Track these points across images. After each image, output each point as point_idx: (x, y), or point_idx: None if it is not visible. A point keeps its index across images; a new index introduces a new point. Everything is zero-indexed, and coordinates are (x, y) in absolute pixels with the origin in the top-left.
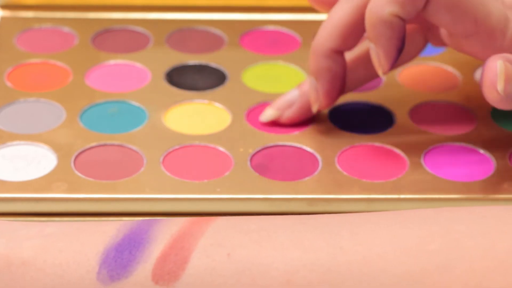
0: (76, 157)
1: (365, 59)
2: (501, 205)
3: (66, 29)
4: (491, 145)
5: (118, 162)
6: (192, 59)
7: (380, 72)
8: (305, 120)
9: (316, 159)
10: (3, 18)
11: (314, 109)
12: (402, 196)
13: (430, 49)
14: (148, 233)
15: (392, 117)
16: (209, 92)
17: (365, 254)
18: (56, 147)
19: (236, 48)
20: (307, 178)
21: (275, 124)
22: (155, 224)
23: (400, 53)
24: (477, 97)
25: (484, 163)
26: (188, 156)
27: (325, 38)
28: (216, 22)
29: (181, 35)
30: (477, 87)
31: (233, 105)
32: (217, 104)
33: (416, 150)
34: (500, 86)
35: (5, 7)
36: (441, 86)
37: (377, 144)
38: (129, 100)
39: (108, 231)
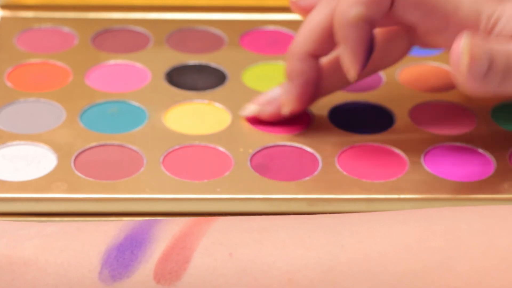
0: (76, 157)
1: (339, 65)
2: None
3: (66, 29)
4: (491, 145)
5: (118, 162)
6: (192, 59)
7: (349, 75)
8: (286, 117)
9: (316, 159)
10: (3, 18)
11: (285, 111)
12: (402, 196)
13: (430, 49)
14: (149, 233)
15: (392, 117)
16: (209, 92)
17: (366, 252)
18: (56, 147)
19: (236, 48)
20: (307, 178)
21: (275, 124)
22: (157, 224)
23: (370, 56)
24: (477, 97)
25: (484, 163)
26: (188, 156)
27: (301, 42)
28: (216, 22)
29: (181, 35)
30: None
31: (233, 105)
32: (217, 104)
33: (416, 150)
34: (463, 64)
35: (5, 7)
36: (441, 86)
37: (377, 144)
38: (129, 100)
39: (110, 231)
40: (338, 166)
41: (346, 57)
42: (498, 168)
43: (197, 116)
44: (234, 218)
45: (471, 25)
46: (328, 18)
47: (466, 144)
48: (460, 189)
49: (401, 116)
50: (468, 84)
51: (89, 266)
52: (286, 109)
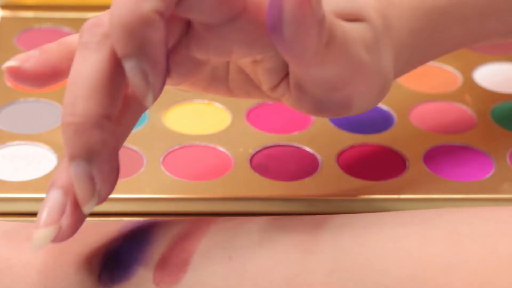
0: None
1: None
2: (502, 205)
3: (66, 29)
4: (491, 145)
5: None
6: None
7: (149, 97)
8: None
9: (316, 159)
10: (3, 18)
11: (90, 208)
12: (402, 196)
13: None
14: (149, 234)
15: (392, 117)
16: None
17: (367, 255)
18: (56, 147)
19: None
20: (307, 178)
21: (275, 124)
22: (156, 225)
23: (168, 61)
24: (477, 97)
25: (484, 163)
26: (188, 156)
27: (90, 105)
28: None
29: None
30: (477, 87)
31: (233, 105)
32: (217, 104)
33: (416, 150)
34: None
35: (5, 7)
36: (441, 86)
37: (377, 144)
38: None
39: (109, 232)
40: (338, 166)
41: (144, 71)
42: (498, 168)
43: (197, 116)
44: (233, 219)
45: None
46: (108, 61)
47: (466, 144)
48: (460, 189)
49: (401, 116)
50: (305, 32)
51: (88, 269)
52: (92, 204)
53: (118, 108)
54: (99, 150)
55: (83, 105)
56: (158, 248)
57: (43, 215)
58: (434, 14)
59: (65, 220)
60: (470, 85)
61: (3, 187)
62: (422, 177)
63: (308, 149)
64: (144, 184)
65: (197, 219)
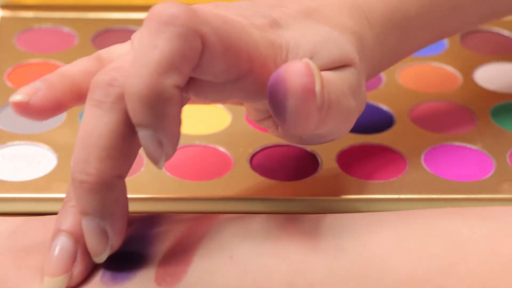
0: None
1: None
2: (502, 205)
3: (66, 29)
4: (491, 145)
5: None
6: None
7: (162, 162)
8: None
9: (316, 159)
10: (3, 18)
11: (102, 258)
12: (402, 196)
13: (430, 49)
14: (150, 233)
15: (392, 117)
16: None
17: (368, 255)
18: (56, 147)
19: None
20: (307, 178)
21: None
22: (158, 223)
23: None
24: (477, 97)
25: (484, 163)
26: (188, 156)
27: (103, 166)
28: None
29: None
30: (477, 87)
31: (233, 105)
32: (217, 104)
33: (416, 150)
34: (318, 87)
35: (5, 7)
36: (441, 86)
37: (377, 144)
38: None
39: None
40: (338, 166)
41: (159, 141)
42: (498, 168)
43: (197, 116)
44: (234, 218)
45: (271, 61)
46: (121, 121)
47: (466, 144)
48: (460, 189)
49: (401, 116)
50: (312, 120)
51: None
52: (105, 255)
53: (131, 167)
54: (112, 210)
55: (97, 166)
56: (159, 247)
57: (54, 263)
58: (402, 26)
59: (77, 268)
60: (470, 85)
61: (3, 187)
62: (422, 177)
63: (308, 149)
64: (144, 184)
65: (198, 216)
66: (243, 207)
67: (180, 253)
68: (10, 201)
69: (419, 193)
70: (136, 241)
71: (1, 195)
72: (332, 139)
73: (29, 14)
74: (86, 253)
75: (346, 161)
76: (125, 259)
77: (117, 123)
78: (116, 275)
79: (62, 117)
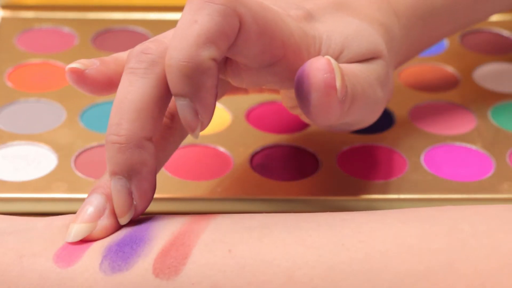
0: (76, 157)
1: (172, 130)
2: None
3: (66, 29)
4: (491, 145)
5: None
6: None
7: (198, 131)
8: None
9: (316, 159)
10: (3, 18)
11: (126, 220)
12: (402, 196)
13: (430, 49)
14: (149, 230)
15: (392, 117)
16: None
17: (368, 251)
18: (56, 147)
19: None
20: (307, 178)
21: (275, 124)
22: (156, 222)
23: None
24: (477, 97)
25: (484, 163)
26: (188, 156)
27: (134, 127)
28: None
29: None
30: (477, 87)
31: (233, 105)
32: (217, 104)
33: (416, 150)
34: (338, 83)
35: (5, 7)
36: (441, 86)
37: (377, 144)
38: None
39: None
40: (338, 166)
41: (194, 111)
42: (498, 168)
43: None
44: (233, 215)
45: (305, 49)
46: (155, 88)
47: (466, 144)
48: (460, 189)
49: (401, 116)
50: (335, 113)
51: (91, 257)
52: (128, 217)
53: (159, 130)
54: (139, 169)
55: (128, 127)
56: (158, 242)
57: (85, 211)
58: (427, 17)
59: (102, 221)
60: (470, 85)
61: (3, 187)
62: (422, 177)
63: (308, 149)
64: None
65: (197, 215)
66: (243, 207)
67: (179, 247)
68: (10, 201)
69: (419, 193)
70: (135, 235)
71: (1, 195)
72: (361, 127)
73: (29, 14)
74: (113, 215)
75: (346, 161)
76: (124, 251)
77: (148, 87)
78: (114, 265)
79: (62, 117)
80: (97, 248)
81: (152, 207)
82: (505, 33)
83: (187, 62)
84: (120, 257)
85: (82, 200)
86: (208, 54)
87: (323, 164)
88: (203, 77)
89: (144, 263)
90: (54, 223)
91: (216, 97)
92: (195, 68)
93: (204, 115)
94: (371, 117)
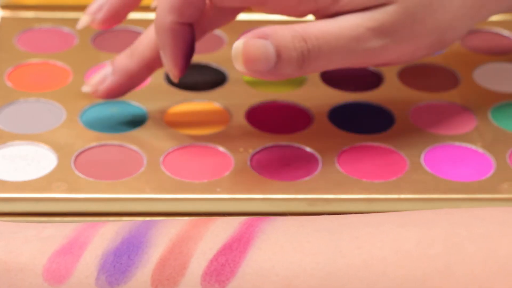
0: (76, 157)
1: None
2: (501, 205)
3: (66, 29)
4: (491, 145)
5: (118, 162)
6: (192, 59)
7: (172, 77)
8: (120, 94)
9: (316, 159)
10: (3, 18)
11: (175, 78)
12: (402, 196)
13: None
14: (146, 236)
15: (392, 117)
16: (209, 92)
17: (365, 257)
18: (56, 147)
19: None
20: (307, 178)
21: (275, 124)
22: (154, 226)
23: (190, 58)
24: (477, 97)
25: (484, 163)
26: (188, 156)
27: (165, 12)
28: None
29: None
30: (477, 87)
31: (233, 105)
32: (217, 104)
33: (416, 150)
34: (237, 66)
35: (5, 7)
36: (441, 86)
37: (377, 144)
38: (129, 100)
39: (107, 233)
40: (338, 166)
41: (166, 63)
42: (498, 168)
43: (197, 116)
44: (231, 219)
45: None
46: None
47: (466, 144)
48: (460, 189)
49: (401, 116)
50: (257, 77)
51: (85, 272)
52: (174, 78)
53: (192, 19)
54: (167, 47)
55: (160, 11)
56: (156, 250)
57: (93, 78)
58: None
59: (102, 87)
60: (470, 85)
61: (3, 187)
62: (422, 177)
63: (308, 149)
64: (144, 184)
65: (195, 219)
66: (243, 207)
67: (177, 256)
68: (10, 201)
69: (419, 193)
70: (132, 243)
71: (1, 195)
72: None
73: (29, 14)
74: (115, 84)
75: (346, 161)
76: (121, 262)
77: None
78: (112, 279)
79: (62, 117)
80: (90, 260)
81: (152, 207)
82: (505, 33)
83: (157, 24)
84: (118, 269)
85: (82, 200)
86: (170, 19)
87: (323, 164)
88: (166, 36)
89: (143, 275)
90: (44, 231)
91: (186, 55)
92: (160, 30)
93: (171, 66)
94: (397, 56)
